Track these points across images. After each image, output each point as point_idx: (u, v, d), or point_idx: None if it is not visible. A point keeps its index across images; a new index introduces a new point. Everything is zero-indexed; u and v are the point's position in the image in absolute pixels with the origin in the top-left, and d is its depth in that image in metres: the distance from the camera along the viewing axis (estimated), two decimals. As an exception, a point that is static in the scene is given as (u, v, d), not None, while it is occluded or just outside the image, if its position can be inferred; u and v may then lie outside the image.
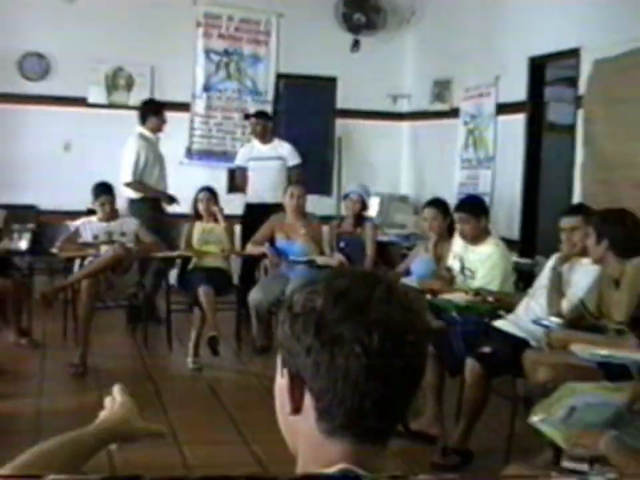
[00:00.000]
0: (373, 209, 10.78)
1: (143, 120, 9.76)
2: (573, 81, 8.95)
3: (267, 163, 10.14)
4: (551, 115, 9.86)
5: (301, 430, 1.64)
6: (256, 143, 10.43)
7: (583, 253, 5.91)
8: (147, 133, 9.66)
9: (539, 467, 3.11)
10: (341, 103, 12.28)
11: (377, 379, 1.54)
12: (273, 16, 11.83)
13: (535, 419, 3.92)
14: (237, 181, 10.61)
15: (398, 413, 1.63)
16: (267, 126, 10.41)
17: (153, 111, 9.81)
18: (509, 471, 3.30)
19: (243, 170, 10.35)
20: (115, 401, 2.14)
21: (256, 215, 9.59)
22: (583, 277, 5.90)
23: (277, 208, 9.23)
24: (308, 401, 1.60)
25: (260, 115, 10.59)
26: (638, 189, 7.69)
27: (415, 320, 1.60)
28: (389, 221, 11.04)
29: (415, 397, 1.65)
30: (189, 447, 5.87)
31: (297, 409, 1.62)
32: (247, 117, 10.96)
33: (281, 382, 1.65)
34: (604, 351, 4.80)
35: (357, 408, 1.55)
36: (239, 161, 10.50)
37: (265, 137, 10.30)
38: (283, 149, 10.34)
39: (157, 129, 9.75)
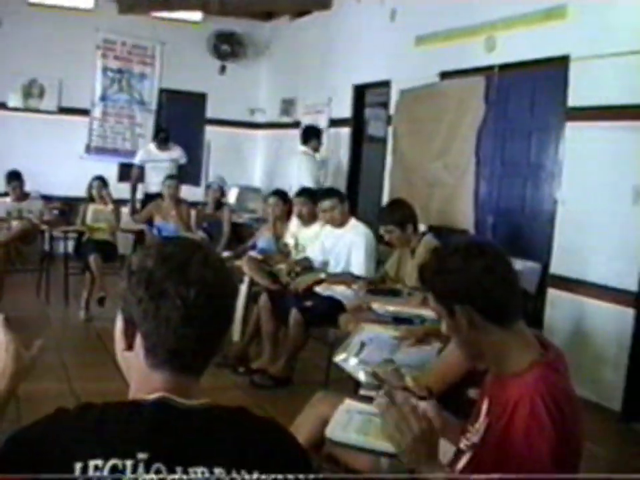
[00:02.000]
0: (232, 197, 10.81)
1: (305, 140, 9.47)
2: (385, 105, 9.11)
3: (162, 164, 9.99)
4: (369, 130, 9.98)
5: (133, 363, 1.61)
6: (153, 147, 10.32)
7: (340, 224, 6.30)
8: (309, 151, 9.41)
9: (341, 394, 3.15)
10: (210, 114, 12.21)
11: (192, 325, 1.53)
12: (158, 43, 11.67)
13: (337, 358, 3.95)
14: (132, 175, 10.34)
15: (209, 351, 1.60)
16: (167, 137, 10.29)
17: (315, 134, 9.56)
18: (318, 395, 3.24)
19: (140, 168, 10.18)
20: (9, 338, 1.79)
21: (153, 201, 9.38)
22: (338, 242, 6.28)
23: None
24: (138, 340, 1.58)
25: (164, 131, 10.47)
26: (429, 187, 7.92)
27: (224, 280, 1.59)
28: (244, 207, 11.03)
29: (223, 338, 1.63)
30: (78, 382, 5.80)
31: (129, 346, 1.60)
32: (158, 131, 10.77)
33: (119, 325, 1.63)
34: (393, 308, 4.92)
35: (176, 347, 1.54)
36: (137, 161, 10.26)
37: (163, 147, 10.20)
38: (176, 153, 10.23)
39: (316, 149, 9.51)
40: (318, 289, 6.08)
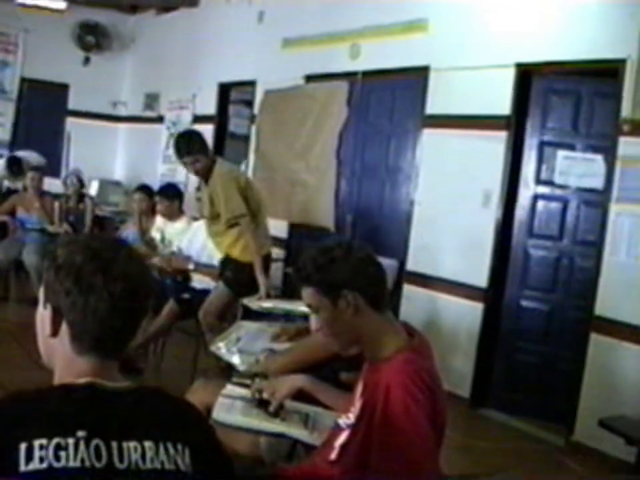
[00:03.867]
0: (93, 190, 10.77)
1: None
2: (249, 103, 9.33)
3: None
4: (232, 127, 10.18)
5: (58, 350, 1.70)
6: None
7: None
8: None
9: (221, 381, 3.30)
10: (72, 105, 12.12)
11: (118, 316, 1.64)
12: (21, 31, 11.51)
13: (214, 347, 4.07)
14: None
15: (129, 338, 1.72)
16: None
17: None
18: (198, 382, 3.39)
19: None
20: None
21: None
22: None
23: None
24: (64, 327, 1.67)
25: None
26: (291, 186, 8.17)
27: (145, 274, 1.74)
28: (105, 200, 11.01)
29: (138, 328, 1.74)
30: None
31: (54, 332, 1.68)
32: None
33: (43, 312, 1.70)
34: (268, 304, 5.15)
35: (102, 336, 1.65)
36: None
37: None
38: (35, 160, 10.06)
39: None
40: (195, 283, 6.31)
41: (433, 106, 6.65)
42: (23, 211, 8.67)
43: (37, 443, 1.52)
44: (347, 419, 2.48)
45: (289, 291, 7.39)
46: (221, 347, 4.01)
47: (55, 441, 1.52)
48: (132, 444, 1.58)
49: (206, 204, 5.79)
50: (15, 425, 1.55)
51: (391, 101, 7.27)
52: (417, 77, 6.81)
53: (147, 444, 1.60)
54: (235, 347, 3.94)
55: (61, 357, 1.71)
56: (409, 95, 7.05)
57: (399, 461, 2.21)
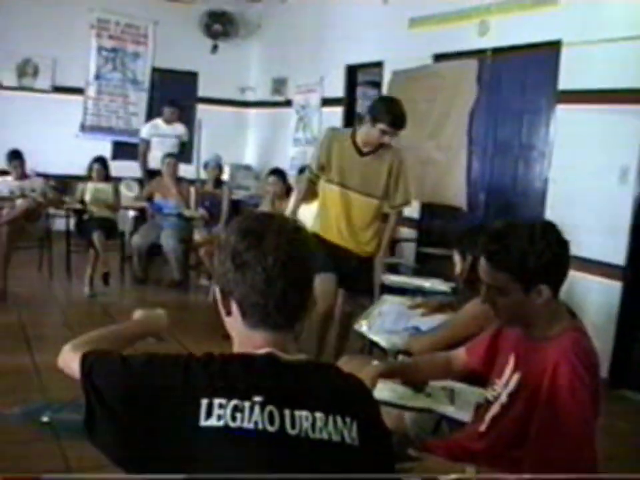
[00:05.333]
0: (225, 175, 11.08)
1: None
2: (377, 85, 9.42)
3: (167, 140, 10.10)
4: (360, 109, 10.25)
5: (234, 326, 1.87)
6: (160, 121, 10.31)
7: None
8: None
9: (366, 357, 3.40)
10: (201, 92, 12.48)
11: (273, 288, 1.76)
12: (151, 23, 11.92)
13: (359, 326, 4.16)
14: (140, 151, 10.34)
15: (293, 310, 1.83)
16: (177, 113, 10.42)
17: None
18: (341, 361, 3.38)
19: (147, 142, 10.20)
20: (154, 310, 2.39)
21: (153, 178, 9.59)
22: None
23: None
24: (234, 306, 1.84)
25: (176, 104, 10.51)
26: (422, 165, 8.21)
27: (297, 246, 1.81)
28: (237, 184, 11.33)
29: (305, 299, 1.84)
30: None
31: (228, 312, 1.86)
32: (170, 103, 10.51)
33: (217, 295, 1.90)
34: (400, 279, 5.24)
35: (265, 308, 1.78)
36: (144, 135, 10.30)
37: (171, 121, 10.27)
38: (180, 129, 10.35)
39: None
40: None
41: (566, 81, 6.58)
42: (160, 197, 9.01)
43: (216, 401, 1.68)
44: (494, 392, 2.56)
45: (424, 270, 7.44)
46: (363, 325, 4.12)
47: (233, 402, 1.68)
48: (304, 413, 1.72)
49: (364, 179, 5.45)
50: (201, 380, 1.72)
51: (521, 78, 7.23)
52: (549, 51, 6.75)
53: (318, 414, 1.73)
54: (378, 324, 4.04)
55: (238, 333, 1.88)
56: (540, 71, 7.00)
57: (559, 444, 2.26)
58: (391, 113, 5.24)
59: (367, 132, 5.33)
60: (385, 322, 4.07)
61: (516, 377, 2.48)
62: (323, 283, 5.13)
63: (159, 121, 10.32)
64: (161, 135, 10.16)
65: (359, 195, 5.48)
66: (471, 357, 2.86)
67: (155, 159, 9.93)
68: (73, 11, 11.41)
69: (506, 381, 2.52)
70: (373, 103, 5.49)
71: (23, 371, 5.20)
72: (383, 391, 2.96)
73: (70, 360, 1.95)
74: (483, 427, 2.55)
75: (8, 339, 6.50)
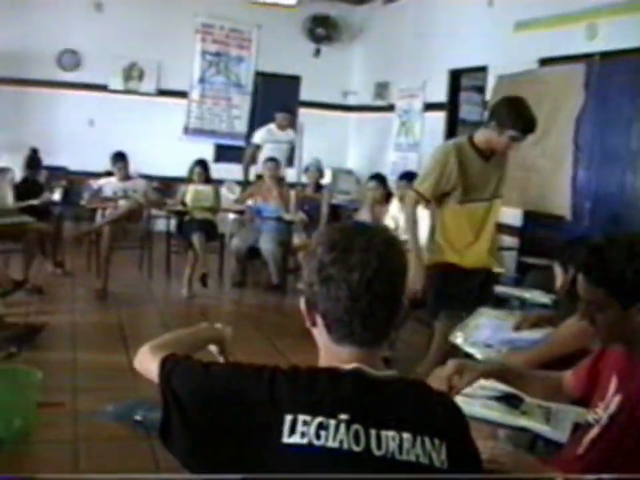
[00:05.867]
0: (325, 179, 11.06)
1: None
2: (480, 89, 9.27)
3: (280, 145, 10.09)
4: (462, 114, 10.14)
5: (319, 339, 1.80)
6: (273, 127, 10.21)
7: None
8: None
9: None
10: (303, 96, 12.52)
11: (358, 305, 1.67)
12: (254, 27, 12.02)
13: (454, 338, 4.02)
14: (247, 156, 10.37)
15: (380, 328, 1.74)
16: (290, 119, 10.44)
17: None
18: (434, 373, 3.37)
19: (258, 147, 10.14)
20: (224, 327, 2.30)
21: None
22: None
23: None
24: (319, 319, 1.76)
25: (288, 110, 10.55)
26: (526, 172, 8.02)
27: (386, 262, 1.71)
28: (338, 189, 11.31)
29: (392, 316, 1.76)
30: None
31: (313, 323, 1.78)
32: (281, 109, 10.41)
33: (301, 304, 1.81)
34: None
35: (349, 325, 1.70)
36: (257, 141, 10.21)
37: (284, 127, 10.23)
38: (292, 134, 10.38)
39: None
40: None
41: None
42: (261, 200, 9.02)
43: (301, 417, 1.62)
44: (596, 415, 2.45)
45: (527, 280, 7.26)
46: (459, 337, 4.02)
47: (318, 419, 1.62)
48: (390, 433, 1.64)
49: (490, 183, 5.14)
50: (286, 395, 1.66)
51: (631, 83, 7.00)
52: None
53: (405, 435, 1.65)
54: (474, 336, 3.94)
55: (324, 346, 1.80)
56: (651, 76, 6.78)
57: None
58: (523, 118, 4.77)
59: (491, 139, 4.88)
60: (482, 335, 3.96)
61: (617, 399, 2.36)
62: (448, 324, 4.85)
63: (272, 127, 10.24)
64: (274, 141, 10.12)
65: (492, 201, 5.17)
66: (577, 382, 2.73)
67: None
68: (178, 16, 11.61)
69: (607, 403, 2.40)
70: (498, 107, 4.98)
71: (118, 369, 5.25)
72: (476, 406, 2.87)
73: (148, 362, 1.92)
74: (580, 450, 2.44)
75: (106, 337, 6.62)
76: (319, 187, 9.53)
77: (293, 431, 1.61)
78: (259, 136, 10.24)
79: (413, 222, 5.10)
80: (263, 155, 9.91)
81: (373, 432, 1.63)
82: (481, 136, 4.99)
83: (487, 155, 4.99)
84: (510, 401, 2.93)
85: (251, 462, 1.63)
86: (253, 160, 9.95)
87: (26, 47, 11.14)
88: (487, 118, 5.06)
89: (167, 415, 1.74)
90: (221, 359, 2.23)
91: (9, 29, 11.06)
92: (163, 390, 1.77)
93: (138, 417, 4.63)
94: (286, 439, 1.61)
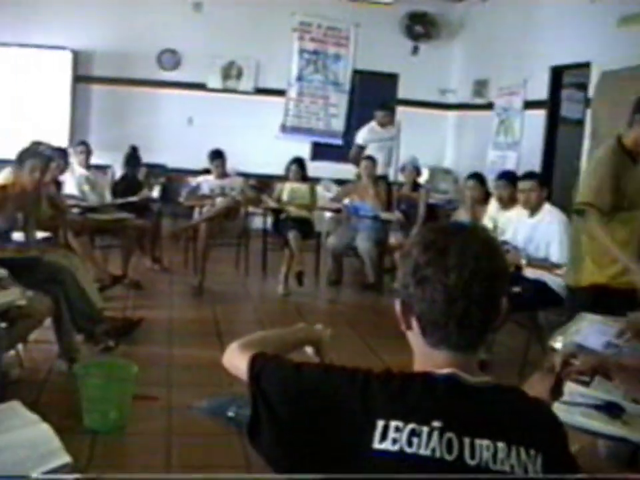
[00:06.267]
0: (422, 178, 10.95)
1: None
2: (583, 86, 9.02)
3: (385, 143, 9.98)
4: (564, 112, 9.90)
5: (415, 342, 1.74)
6: (375, 125, 10.07)
7: (534, 208, 6.13)
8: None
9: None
10: (401, 94, 12.41)
11: (455, 308, 1.62)
12: (352, 25, 11.97)
13: (554, 343, 3.82)
14: (352, 156, 10.11)
15: (477, 331, 1.68)
16: (391, 115, 10.36)
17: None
18: (533, 378, 3.22)
19: (362, 148, 9.94)
20: (324, 328, 2.24)
21: None
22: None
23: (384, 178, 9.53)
24: (414, 321, 1.70)
25: (388, 107, 10.48)
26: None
27: (483, 263, 1.64)
28: (435, 188, 11.19)
29: (490, 320, 1.69)
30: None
31: (408, 326, 1.72)
32: (381, 106, 10.28)
33: (397, 307, 1.74)
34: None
35: (445, 328, 1.64)
36: (360, 140, 10.05)
37: (385, 124, 10.09)
38: (395, 130, 10.18)
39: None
40: (527, 273, 6.00)
41: None
42: (358, 198, 8.95)
43: (393, 423, 1.57)
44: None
45: None
46: (558, 341, 3.87)
47: (411, 426, 1.57)
48: (484, 442, 1.58)
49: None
50: (379, 400, 1.61)
51: None
52: None
53: (500, 445, 1.58)
54: (575, 341, 3.79)
55: (418, 350, 1.74)
56: None
57: None
58: None
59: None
60: (584, 340, 3.80)
61: None
62: None
63: (374, 125, 10.13)
64: (378, 140, 10.02)
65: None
66: None
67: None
68: (276, 15, 11.66)
69: None
70: None
71: (213, 365, 5.18)
72: (576, 414, 2.74)
73: (237, 360, 1.89)
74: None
75: (201, 333, 6.65)
76: (416, 186, 9.42)
77: (384, 437, 1.57)
78: (361, 136, 10.13)
79: (610, 241, 4.45)
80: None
81: (466, 440, 1.57)
82: (631, 135, 4.53)
83: (634, 156, 4.56)
84: (611, 410, 2.80)
85: (338, 466, 1.59)
86: (357, 162, 9.82)
87: (127, 47, 11.37)
88: (632, 114, 4.59)
89: (255, 413, 1.72)
90: (317, 361, 2.18)
91: (111, 30, 11.31)
92: (252, 388, 1.75)
93: (230, 413, 4.62)
94: (377, 445, 1.57)
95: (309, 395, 1.68)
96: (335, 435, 1.61)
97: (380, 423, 1.57)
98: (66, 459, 2.44)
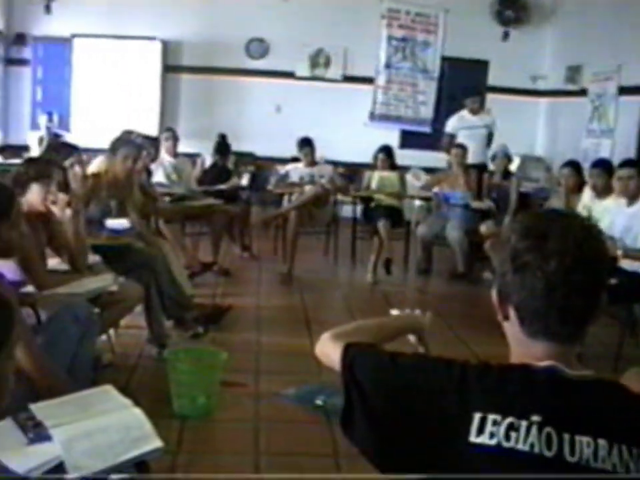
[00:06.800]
0: (513, 166, 10.76)
1: None
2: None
3: (476, 131, 9.92)
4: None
5: (512, 333, 1.68)
6: (465, 113, 10.09)
7: (632, 197, 5.93)
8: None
9: None
10: (491, 81, 12.18)
11: (556, 295, 1.56)
12: (441, 11, 11.82)
13: None
14: (444, 145, 10.11)
15: (578, 321, 1.61)
16: (481, 101, 10.29)
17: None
18: (628, 373, 3.03)
19: (452, 137, 9.94)
20: (423, 313, 2.21)
21: None
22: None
23: (481, 167, 9.46)
24: (512, 311, 1.65)
25: (479, 93, 10.45)
26: None
27: (585, 249, 1.58)
28: (526, 176, 10.98)
29: (591, 309, 1.62)
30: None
31: (505, 317, 1.67)
32: (470, 93, 10.32)
33: (493, 296, 1.70)
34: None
35: (544, 317, 1.58)
36: (449, 129, 10.10)
37: (477, 111, 10.09)
38: (488, 118, 10.16)
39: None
40: (624, 264, 5.78)
41: None
42: (448, 187, 8.85)
43: (491, 417, 1.53)
44: None
45: None
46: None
47: (509, 420, 1.52)
48: (585, 439, 1.51)
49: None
50: (476, 393, 1.56)
51: None
52: None
53: (601, 442, 1.51)
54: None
55: (516, 341, 1.69)
56: None
57: None
58: None
59: None
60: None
61: None
62: None
63: (464, 113, 10.08)
64: (468, 127, 9.94)
65: None
66: None
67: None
68: (364, 2, 11.59)
69: None
70: None
71: (301, 353, 5.24)
72: None
73: (330, 349, 1.86)
74: None
75: (290, 320, 6.66)
76: (507, 174, 9.25)
77: (481, 430, 1.53)
78: (450, 125, 10.09)
79: None
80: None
81: (566, 436, 1.51)
82: None
83: None
84: None
85: (433, 458, 1.56)
86: (448, 150, 9.68)
87: (215, 36, 11.45)
88: None
89: (348, 403, 1.69)
90: (421, 349, 2.15)
91: (200, 20, 11.42)
92: (345, 378, 1.72)
93: (319, 402, 4.60)
94: (473, 439, 1.52)
95: (403, 386, 1.65)
96: (430, 427, 1.57)
97: (477, 416, 1.53)
98: (158, 443, 2.44)
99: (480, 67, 12.12)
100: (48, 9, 11.28)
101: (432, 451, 1.56)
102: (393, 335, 2.10)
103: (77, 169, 5.17)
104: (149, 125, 10.19)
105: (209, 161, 9.45)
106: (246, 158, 10.89)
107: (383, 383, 1.67)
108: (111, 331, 5.33)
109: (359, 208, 9.18)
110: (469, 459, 1.51)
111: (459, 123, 9.96)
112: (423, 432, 1.58)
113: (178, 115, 11.55)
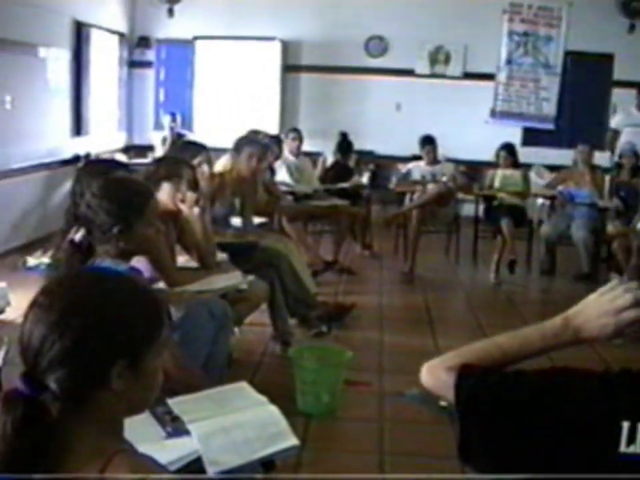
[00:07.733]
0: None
1: None
2: None
3: None
4: None
5: None
6: (633, 109, 9.88)
7: None
8: None
9: None
10: (617, 75, 11.86)
11: None
12: (564, 4, 11.55)
13: None
14: (607, 141, 10.07)
15: None
16: None
17: None
18: None
19: (616, 133, 9.86)
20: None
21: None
22: None
23: None
24: None
25: None
26: None
27: None
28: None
29: None
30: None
31: None
32: None
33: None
34: None
35: None
36: (613, 125, 10.02)
37: None
38: None
39: None
40: None
41: None
42: (573, 185, 8.69)
43: None
44: None
45: None
46: None
47: None
48: None
49: None
50: (623, 400, 1.49)
51: None
52: None
53: None
54: None
55: None
56: None
57: None
58: None
59: None
60: None
61: None
62: None
63: (632, 109, 9.84)
64: (634, 125, 9.70)
65: None
66: None
67: (628, 150, 9.38)
68: (485, -2, 11.44)
69: None
70: None
71: (424, 352, 5.16)
72: None
73: (438, 371, 1.69)
74: None
75: (412, 320, 6.65)
76: (635, 172, 8.98)
77: (632, 439, 1.45)
78: (615, 120, 9.91)
79: None
80: (622, 140, 9.58)
81: None
82: None
83: None
84: None
85: (579, 471, 1.47)
86: (611, 146, 9.46)
87: (334, 35, 11.52)
88: None
89: (465, 433, 1.57)
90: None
91: (319, 19, 11.52)
92: (459, 405, 1.58)
93: (443, 403, 4.56)
94: (623, 448, 1.44)
95: (534, 406, 1.53)
96: (574, 444, 1.49)
97: (625, 425, 1.45)
98: (294, 441, 2.46)
99: (605, 61, 11.79)
100: (170, 12, 11.62)
101: (579, 466, 1.49)
102: (538, 351, 1.72)
103: (205, 167, 5.26)
104: (269, 124, 10.32)
105: (330, 159, 9.52)
106: (366, 156, 10.92)
107: (509, 407, 1.54)
108: (235, 328, 5.42)
109: (481, 207, 9.08)
110: (621, 469, 1.45)
111: (625, 120, 9.72)
112: (565, 451, 1.50)
113: (298, 114, 11.68)
